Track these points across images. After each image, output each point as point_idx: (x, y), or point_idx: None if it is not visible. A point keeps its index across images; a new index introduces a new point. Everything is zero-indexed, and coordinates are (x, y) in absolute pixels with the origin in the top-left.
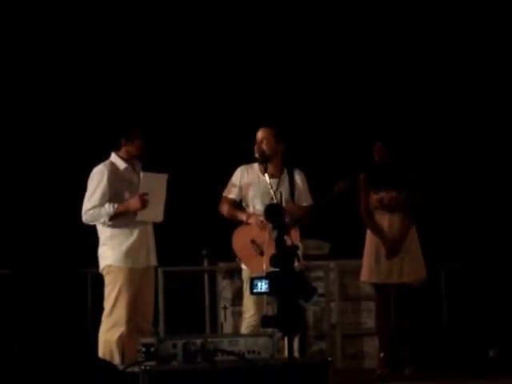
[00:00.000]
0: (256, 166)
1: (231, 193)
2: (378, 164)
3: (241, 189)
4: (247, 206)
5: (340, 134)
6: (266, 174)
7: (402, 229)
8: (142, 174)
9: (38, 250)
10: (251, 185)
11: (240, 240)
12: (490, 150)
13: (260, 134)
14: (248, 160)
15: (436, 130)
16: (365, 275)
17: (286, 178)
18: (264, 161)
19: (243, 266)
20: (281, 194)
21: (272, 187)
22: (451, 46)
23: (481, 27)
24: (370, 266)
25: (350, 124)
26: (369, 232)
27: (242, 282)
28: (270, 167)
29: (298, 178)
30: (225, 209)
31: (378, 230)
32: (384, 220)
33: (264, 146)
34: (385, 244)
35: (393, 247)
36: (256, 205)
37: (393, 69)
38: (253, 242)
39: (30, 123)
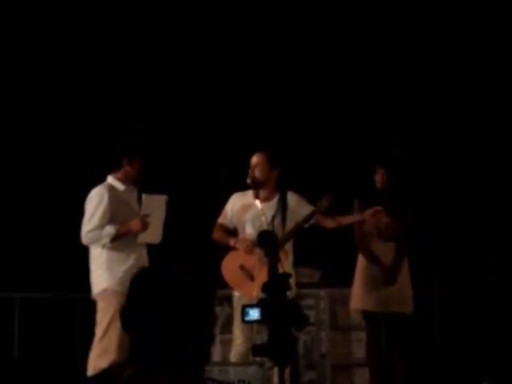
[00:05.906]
0: (250, 191)
1: (223, 219)
2: (375, 191)
3: (232, 216)
4: (241, 231)
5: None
6: (258, 200)
7: (396, 257)
8: (143, 195)
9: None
10: (244, 210)
11: (229, 266)
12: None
13: (254, 160)
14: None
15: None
16: (355, 303)
17: (277, 202)
18: (255, 186)
19: (235, 293)
20: (273, 218)
21: (264, 213)
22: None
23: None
24: (360, 294)
25: (349, 146)
26: (360, 259)
27: (232, 309)
28: (262, 192)
29: (291, 199)
30: (216, 235)
31: (374, 258)
32: (378, 248)
33: (256, 172)
34: (382, 271)
35: (390, 275)
36: (247, 229)
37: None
38: (242, 267)
39: (29, 146)
